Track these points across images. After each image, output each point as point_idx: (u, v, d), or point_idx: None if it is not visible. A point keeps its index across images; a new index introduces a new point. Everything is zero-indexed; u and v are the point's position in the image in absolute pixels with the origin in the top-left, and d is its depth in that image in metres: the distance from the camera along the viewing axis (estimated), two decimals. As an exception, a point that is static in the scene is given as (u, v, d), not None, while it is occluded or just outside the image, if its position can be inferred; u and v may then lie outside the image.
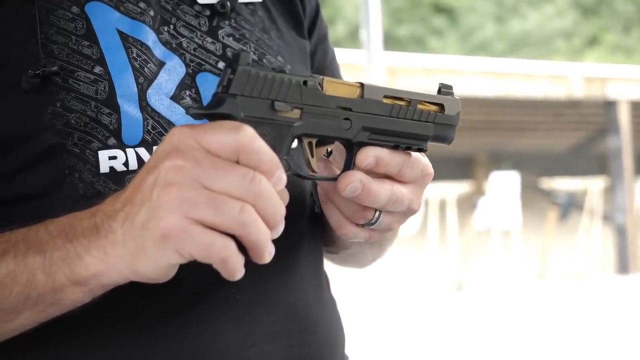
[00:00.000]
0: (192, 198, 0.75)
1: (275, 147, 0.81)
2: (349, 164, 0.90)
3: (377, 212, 0.92)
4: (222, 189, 0.76)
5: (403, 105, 0.92)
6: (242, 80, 0.81)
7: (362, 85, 0.90)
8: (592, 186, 11.52)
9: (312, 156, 0.89)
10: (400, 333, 6.78)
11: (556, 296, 8.76)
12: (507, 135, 13.49)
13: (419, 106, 0.93)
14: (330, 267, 1.13)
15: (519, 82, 10.30)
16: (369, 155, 0.89)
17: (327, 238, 1.09)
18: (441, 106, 0.95)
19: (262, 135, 0.80)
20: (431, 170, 0.95)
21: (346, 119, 0.88)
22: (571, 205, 11.20)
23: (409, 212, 0.94)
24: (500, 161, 12.60)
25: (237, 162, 0.77)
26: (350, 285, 6.41)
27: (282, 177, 0.79)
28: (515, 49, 19.69)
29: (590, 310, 7.81)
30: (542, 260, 10.63)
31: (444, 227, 10.49)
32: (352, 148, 0.90)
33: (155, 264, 0.77)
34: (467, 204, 10.83)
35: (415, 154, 0.93)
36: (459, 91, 9.56)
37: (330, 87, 0.88)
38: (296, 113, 0.85)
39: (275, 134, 0.83)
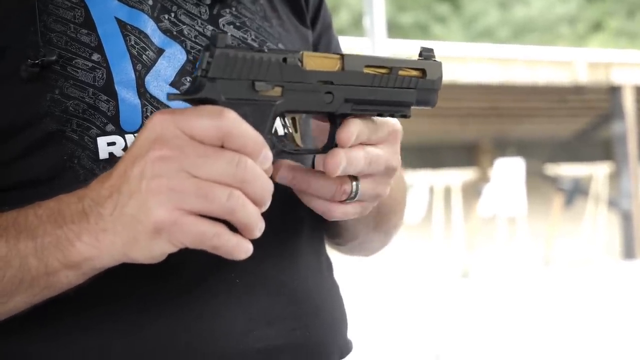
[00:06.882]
0: (181, 188, 0.76)
1: (258, 126, 0.81)
2: (333, 137, 0.90)
3: (354, 183, 0.91)
4: (209, 176, 0.77)
5: (384, 73, 0.92)
6: (221, 63, 0.80)
7: (342, 57, 0.90)
8: (597, 172, 11.50)
9: (296, 131, 0.90)
10: (406, 320, 6.78)
11: (562, 282, 8.76)
12: (512, 121, 13.47)
13: (401, 72, 0.93)
14: (334, 253, 1.12)
15: (523, 68, 10.27)
16: (350, 132, 0.88)
17: (332, 231, 1.09)
18: (423, 71, 0.95)
19: (244, 116, 0.80)
20: (399, 126, 0.95)
21: (328, 92, 0.88)
22: (576, 191, 11.19)
23: (390, 170, 0.94)
24: (504, 148, 12.60)
25: (222, 147, 0.78)
26: (355, 273, 6.41)
27: (268, 155, 0.80)
28: (519, 35, 19.63)
29: (596, 296, 7.80)
30: (547, 246, 10.63)
31: (449, 214, 10.49)
32: (335, 121, 0.90)
33: (148, 253, 0.79)
34: (472, 191, 10.82)
35: (377, 118, 0.93)
36: (463, 78, 9.49)
37: (310, 62, 0.88)
38: (277, 91, 0.85)
39: (258, 114, 0.83)
